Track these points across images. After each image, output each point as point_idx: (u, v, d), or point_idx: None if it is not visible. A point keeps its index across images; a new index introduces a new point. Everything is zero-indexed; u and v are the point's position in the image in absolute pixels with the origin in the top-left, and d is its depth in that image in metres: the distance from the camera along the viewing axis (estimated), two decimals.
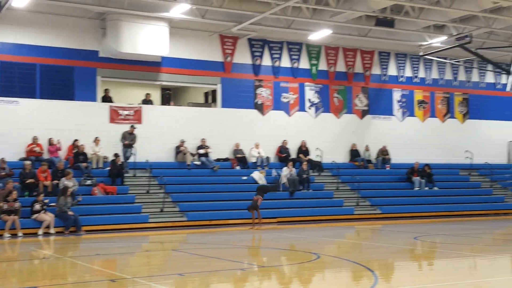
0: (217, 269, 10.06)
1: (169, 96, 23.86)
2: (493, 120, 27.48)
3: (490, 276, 9.10)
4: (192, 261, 11.33)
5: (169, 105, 22.79)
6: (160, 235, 16.84)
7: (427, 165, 24.04)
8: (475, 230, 17.67)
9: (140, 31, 20.10)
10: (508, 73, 22.80)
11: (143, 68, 21.21)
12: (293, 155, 22.98)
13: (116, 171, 19.18)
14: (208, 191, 20.17)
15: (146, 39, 20.23)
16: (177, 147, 21.24)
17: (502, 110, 27.63)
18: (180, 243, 15.49)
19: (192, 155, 21.21)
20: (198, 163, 21.20)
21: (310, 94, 24.00)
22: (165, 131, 21.34)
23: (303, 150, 23.14)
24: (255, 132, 22.74)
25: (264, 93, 23.17)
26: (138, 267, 10.85)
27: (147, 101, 21.61)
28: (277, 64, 23.37)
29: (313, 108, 24.01)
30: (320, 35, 22.10)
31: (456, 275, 9.29)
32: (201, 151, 21.38)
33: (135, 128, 20.39)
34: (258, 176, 21.26)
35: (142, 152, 20.47)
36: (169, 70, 21.69)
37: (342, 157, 24.15)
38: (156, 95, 22.86)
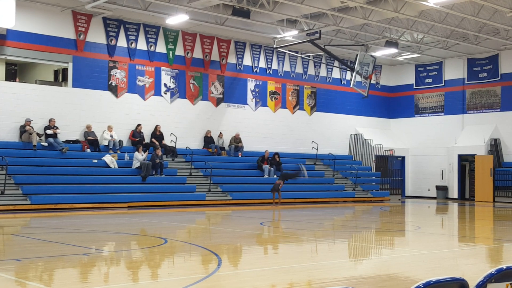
0: (60, 254, 9.70)
1: (15, 72, 22.40)
2: (337, 113, 29.33)
3: (328, 259, 9.76)
4: (33, 246, 10.82)
5: (14, 81, 21.41)
6: (0, 218, 15.83)
7: (276, 153, 25.05)
8: (318, 216, 18.80)
9: None
10: (352, 70, 24.42)
11: None
12: (147, 139, 22.74)
13: None
14: (55, 174, 19.31)
15: None
16: (22, 127, 20.03)
17: (345, 104, 29.59)
18: (21, 228, 14.67)
19: (39, 135, 20.15)
20: (45, 144, 20.19)
21: (166, 79, 23.84)
22: (9, 109, 20.03)
23: (157, 135, 22.99)
24: (108, 115, 22.14)
25: (119, 75, 22.60)
26: None
27: None
28: (133, 46, 22.89)
29: (168, 93, 23.89)
30: (177, 19, 22.00)
31: (297, 259, 9.84)
32: (49, 131, 20.37)
33: None
34: (110, 159, 20.76)
35: None
36: (15, 44, 20.32)
37: (196, 144, 24.37)
38: None
